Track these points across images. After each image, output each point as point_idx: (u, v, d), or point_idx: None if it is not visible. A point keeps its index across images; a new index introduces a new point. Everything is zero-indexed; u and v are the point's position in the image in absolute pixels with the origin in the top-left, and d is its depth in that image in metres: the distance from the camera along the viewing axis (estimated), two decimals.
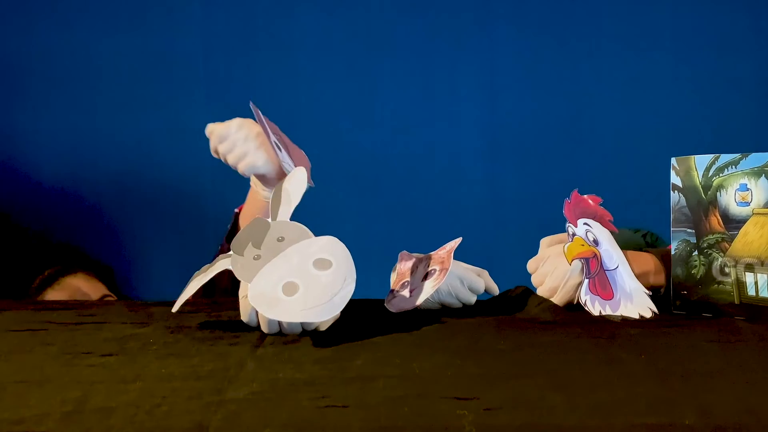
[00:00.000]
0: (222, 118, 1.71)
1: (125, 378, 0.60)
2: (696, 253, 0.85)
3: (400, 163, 1.71)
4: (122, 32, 1.69)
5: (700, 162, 0.85)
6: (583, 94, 1.72)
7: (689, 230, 0.85)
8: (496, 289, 0.92)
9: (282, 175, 0.88)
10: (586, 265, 0.86)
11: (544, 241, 0.93)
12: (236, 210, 1.03)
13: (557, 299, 0.88)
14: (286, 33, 1.71)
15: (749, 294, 0.81)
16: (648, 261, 0.91)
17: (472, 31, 1.71)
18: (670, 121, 1.68)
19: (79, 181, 1.70)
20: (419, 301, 0.84)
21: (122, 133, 1.69)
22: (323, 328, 0.76)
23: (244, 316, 0.77)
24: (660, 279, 0.90)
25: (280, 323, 0.75)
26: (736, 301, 0.82)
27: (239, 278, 0.76)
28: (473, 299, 0.90)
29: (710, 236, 0.84)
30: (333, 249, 0.77)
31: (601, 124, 1.71)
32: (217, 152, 0.91)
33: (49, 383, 0.59)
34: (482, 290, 0.90)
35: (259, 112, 0.90)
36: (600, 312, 0.84)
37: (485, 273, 0.92)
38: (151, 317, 0.87)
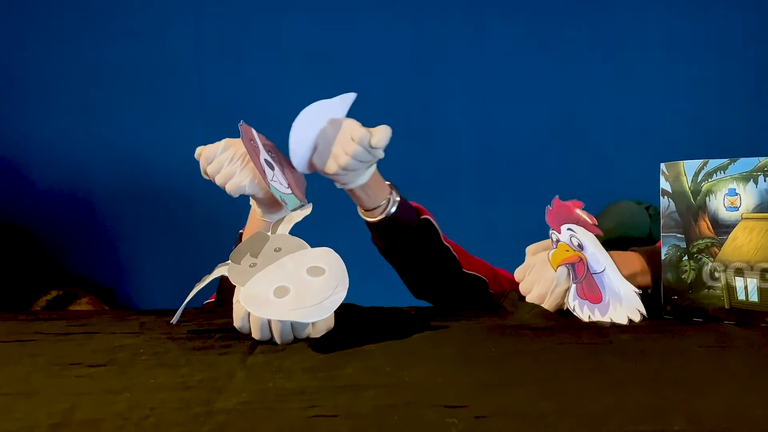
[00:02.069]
0: (215, 124, 1.71)
1: (113, 389, 0.60)
2: (686, 258, 0.85)
3: (393, 170, 1.71)
4: (116, 40, 1.69)
5: (689, 167, 0.85)
6: (574, 100, 1.73)
7: (679, 235, 0.86)
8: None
9: (272, 195, 0.88)
10: (573, 270, 0.86)
11: (530, 249, 0.93)
12: (240, 231, 1.03)
13: (546, 306, 0.88)
14: (278, 40, 1.71)
15: (739, 299, 0.81)
16: (634, 261, 0.91)
17: (464, 36, 1.72)
18: (661, 126, 1.69)
19: (73, 188, 1.69)
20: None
21: (115, 139, 1.69)
22: (316, 335, 0.76)
23: (237, 321, 0.77)
24: (646, 279, 0.90)
25: (271, 330, 0.75)
26: (727, 306, 0.82)
27: (234, 283, 0.77)
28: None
29: (700, 241, 0.84)
30: (327, 258, 0.78)
31: (592, 130, 1.72)
32: (206, 173, 0.91)
33: (36, 395, 0.59)
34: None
35: (252, 130, 0.89)
36: (589, 317, 0.85)
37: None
38: (142, 327, 0.86)
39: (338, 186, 0.92)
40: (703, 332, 0.78)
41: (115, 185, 1.70)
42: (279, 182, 0.87)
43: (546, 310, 0.88)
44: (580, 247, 0.86)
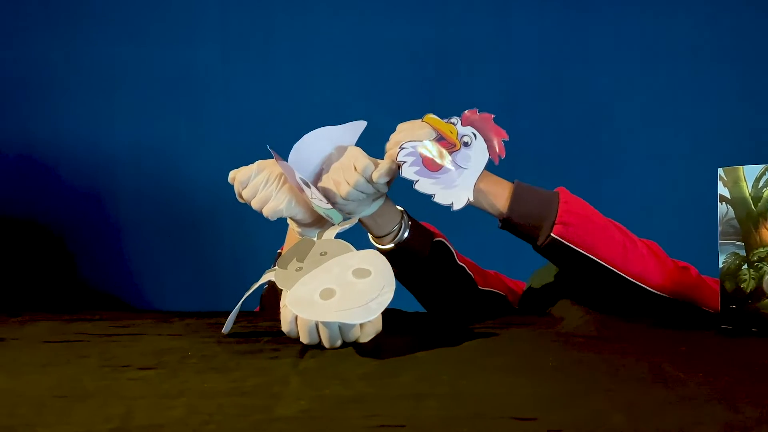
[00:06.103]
0: (240, 126, 1.70)
1: (168, 393, 0.58)
2: (746, 266, 0.82)
3: None
4: (142, 41, 1.69)
5: (749, 172, 0.82)
6: (602, 104, 1.69)
7: (738, 243, 0.83)
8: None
9: (313, 211, 0.86)
10: (436, 141, 0.86)
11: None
12: (279, 250, 1.01)
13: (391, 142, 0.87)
14: (303, 40, 1.71)
15: None
16: (503, 189, 0.90)
17: (491, 37, 1.70)
18: (715, 131, 1.65)
19: (98, 191, 1.70)
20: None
21: (140, 141, 1.69)
22: (364, 340, 0.75)
23: (285, 326, 0.75)
24: (500, 204, 0.89)
25: (319, 333, 0.73)
26: None
27: (280, 287, 0.76)
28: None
29: (761, 249, 0.81)
30: (373, 260, 0.77)
31: (620, 135, 1.69)
32: (242, 197, 0.88)
33: (90, 398, 0.58)
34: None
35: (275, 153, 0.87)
36: (416, 180, 0.84)
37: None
38: (186, 329, 0.85)
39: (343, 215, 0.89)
40: (765, 344, 0.76)
41: (140, 188, 1.70)
42: (319, 199, 0.85)
43: (598, 318, 0.85)
44: (466, 144, 0.86)
